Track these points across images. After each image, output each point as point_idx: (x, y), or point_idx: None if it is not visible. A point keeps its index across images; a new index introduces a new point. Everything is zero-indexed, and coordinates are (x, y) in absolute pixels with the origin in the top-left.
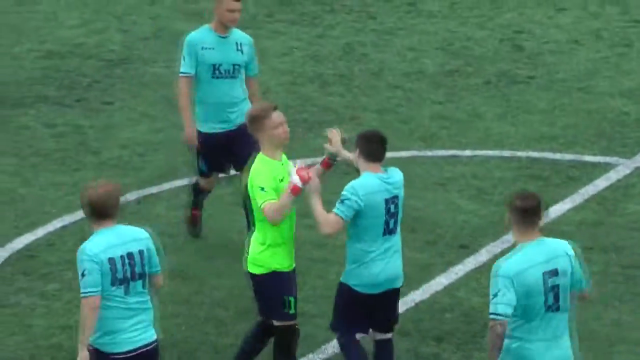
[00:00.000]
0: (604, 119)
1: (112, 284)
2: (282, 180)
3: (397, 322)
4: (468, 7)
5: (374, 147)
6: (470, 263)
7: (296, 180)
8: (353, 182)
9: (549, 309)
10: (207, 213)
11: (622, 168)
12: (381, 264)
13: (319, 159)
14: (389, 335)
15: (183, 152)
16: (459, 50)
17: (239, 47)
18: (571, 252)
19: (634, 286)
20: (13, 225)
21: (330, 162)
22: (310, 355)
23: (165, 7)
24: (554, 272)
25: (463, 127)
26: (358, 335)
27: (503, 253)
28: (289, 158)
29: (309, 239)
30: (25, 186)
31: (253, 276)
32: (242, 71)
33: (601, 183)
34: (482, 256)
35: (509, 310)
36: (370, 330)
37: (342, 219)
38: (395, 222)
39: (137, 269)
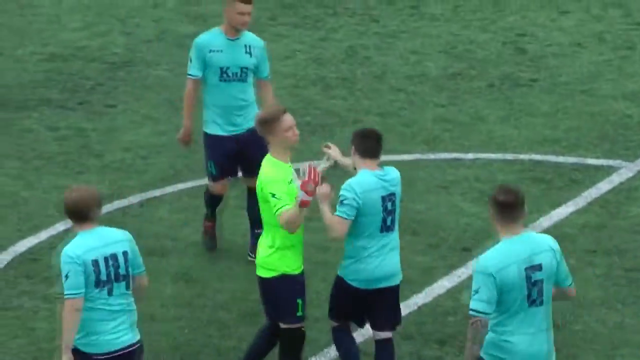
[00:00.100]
0: (606, 122)
1: (96, 286)
2: (290, 181)
3: (399, 323)
4: (471, 10)
5: (369, 144)
6: (473, 266)
7: (301, 195)
8: (350, 181)
9: (532, 303)
10: None
11: (625, 171)
12: (377, 260)
13: (321, 162)
14: (388, 335)
15: (186, 155)
16: (461, 53)
17: (248, 50)
18: (556, 247)
19: (637, 289)
20: (16, 228)
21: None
22: (313, 359)
23: (168, 9)
24: (537, 267)
25: (466, 130)
26: (352, 327)
27: None
28: (292, 161)
29: (312, 242)
30: (28, 189)
31: (262, 279)
32: (251, 74)
33: (604, 186)
34: None
35: (489, 308)
36: (371, 330)
37: (345, 219)
38: (393, 220)
39: (121, 271)
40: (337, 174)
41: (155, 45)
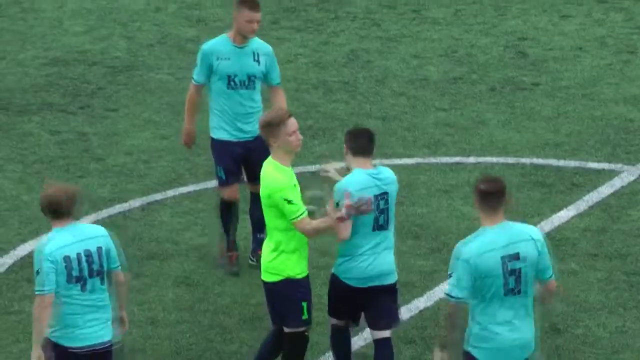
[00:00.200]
0: (608, 126)
1: (68, 282)
2: (295, 185)
3: (397, 323)
4: (472, 14)
5: (360, 142)
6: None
7: (345, 212)
8: (342, 181)
9: (509, 292)
10: (211, 220)
11: (626, 175)
12: (371, 259)
13: (323, 166)
14: (385, 334)
15: (187, 159)
16: (463, 57)
17: (256, 58)
18: (537, 236)
19: (638, 293)
20: (17, 232)
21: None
22: None
23: (170, 13)
24: (515, 256)
25: (467, 134)
26: (345, 323)
27: None
28: (293, 165)
29: (314, 247)
30: (29, 193)
31: (267, 284)
32: (259, 81)
33: (605, 190)
34: None
35: (462, 294)
36: (369, 330)
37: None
38: (386, 219)
39: (95, 267)
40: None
41: (156, 49)
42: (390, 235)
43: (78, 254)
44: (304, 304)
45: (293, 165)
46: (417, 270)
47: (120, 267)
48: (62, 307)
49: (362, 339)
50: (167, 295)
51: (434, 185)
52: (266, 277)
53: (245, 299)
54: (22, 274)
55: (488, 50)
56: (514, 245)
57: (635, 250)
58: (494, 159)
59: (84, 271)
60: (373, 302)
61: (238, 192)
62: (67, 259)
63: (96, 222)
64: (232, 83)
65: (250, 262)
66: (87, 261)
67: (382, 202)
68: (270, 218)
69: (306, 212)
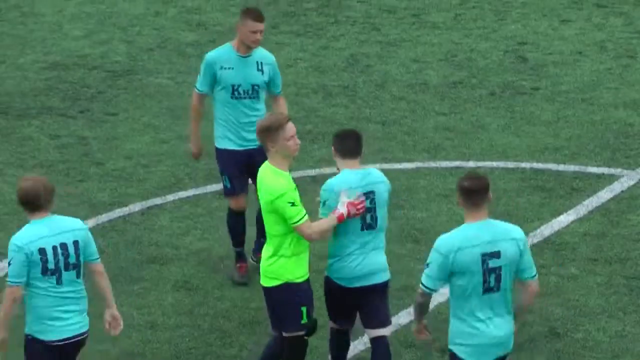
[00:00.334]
0: (608, 130)
1: (43, 274)
2: (295, 189)
3: (389, 321)
4: (472, 18)
5: (348, 144)
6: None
7: (344, 210)
8: (329, 180)
9: (489, 290)
10: (210, 224)
11: (626, 179)
12: (360, 258)
13: (323, 171)
14: (381, 332)
15: (187, 164)
16: (463, 62)
17: (260, 67)
18: (519, 236)
19: (638, 297)
20: None
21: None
22: None
23: (169, 18)
24: (496, 254)
25: (467, 138)
26: (342, 326)
27: None
28: (293, 169)
29: (313, 251)
30: None
31: (266, 289)
32: (263, 91)
33: (605, 194)
34: None
35: (432, 284)
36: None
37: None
38: (374, 218)
39: (71, 260)
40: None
41: (156, 53)
42: (380, 235)
43: (54, 247)
44: (304, 309)
45: (293, 169)
46: (417, 274)
47: (99, 260)
48: (38, 300)
49: (362, 343)
50: (167, 299)
51: (434, 190)
52: (265, 281)
53: (245, 303)
54: None
55: (488, 55)
56: (496, 244)
57: (635, 254)
58: (494, 164)
59: (60, 264)
60: (365, 302)
61: (245, 201)
62: (42, 251)
63: (96, 226)
64: (236, 93)
65: (251, 260)
66: (62, 254)
67: (368, 202)
68: (270, 224)
69: (307, 216)
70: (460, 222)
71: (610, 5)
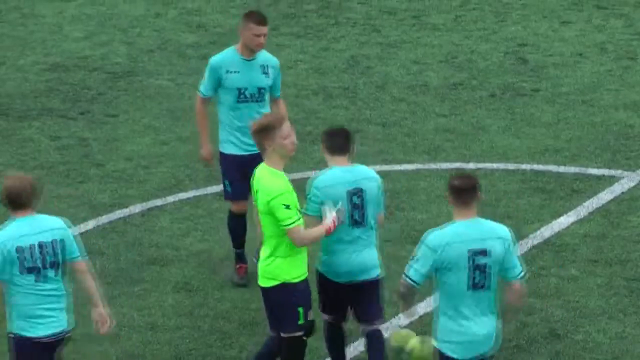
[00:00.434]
0: (608, 132)
1: (21, 272)
2: (292, 191)
3: (382, 316)
4: (472, 20)
5: (337, 141)
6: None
7: (331, 224)
8: (314, 176)
9: (474, 287)
10: (211, 226)
11: (626, 181)
12: (348, 254)
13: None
14: (374, 326)
15: (187, 165)
16: (463, 63)
17: (265, 70)
18: (506, 236)
19: (638, 299)
20: None
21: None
22: None
23: (170, 19)
24: (483, 252)
25: (467, 140)
26: (334, 319)
27: None
28: (293, 170)
29: (311, 252)
30: None
31: (263, 289)
32: (267, 94)
33: (605, 196)
34: None
35: (418, 277)
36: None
37: (312, 215)
38: (362, 215)
39: (50, 258)
40: None
41: (156, 55)
42: (370, 231)
43: (32, 245)
44: (301, 309)
45: (293, 170)
46: None
47: (80, 257)
48: (19, 297)
49: (362, 344)
50: (167, 300)
51: (434, 191)
52: (263, 282)
53: (245, 304)
54: None
55: (488, 56)
56: (483, 242)
57: (635, 256)
58: (494, 165)
59: (38, 262)
60: (356, 298)
61: (246, 205)
62: (19, 249)
63: (96, 227)
64: (242, 96)
65: (253, 260)
66: (41, 252)
67: (355, 198)
68: (267, 225)
69: (301, 221)
70: None
71: (610, 6)
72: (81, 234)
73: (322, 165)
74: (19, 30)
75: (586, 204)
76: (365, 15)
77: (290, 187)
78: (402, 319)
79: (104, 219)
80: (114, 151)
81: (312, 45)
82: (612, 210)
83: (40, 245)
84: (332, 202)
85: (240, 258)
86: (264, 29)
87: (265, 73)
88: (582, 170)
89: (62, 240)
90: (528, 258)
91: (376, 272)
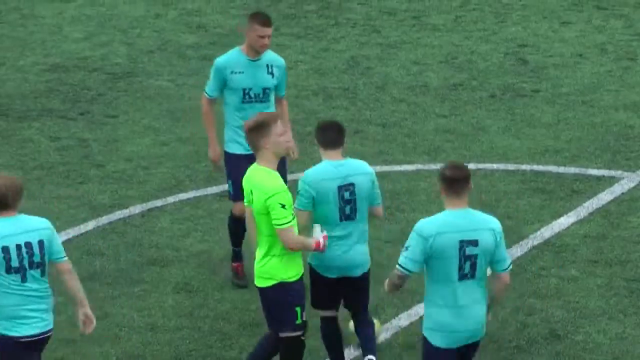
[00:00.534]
0: (608, 133)
1: (7, 272)
2: (287, 191)
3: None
4: (472, 20)
5: (329, 135)
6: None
7: (321, 242)
8: (306, 171)
9: (464, 277)
10: (211, 226)
11: (626, 181)
12: (337, 249)
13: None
14: (363, 314)
15: (187, 165)
16: (463, 64)
17: (270, 70)
18: (496, 228)
19: (638, 300)
20: None
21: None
22: None
23: (170, 20)
24: (473, 242)
25: (467, 141)
26: (328, 313)
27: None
28: (293, 171)
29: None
30: (29, 199)
31: (261, 289)
32: (273, 94)
33: (605, 196)
34: None
35: (412, 266)
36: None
37: (302, 209)
38: (353, 209)
39: (35, 258)
40: None
41: (156, 55)
42: (361, 226)
43: (18, 245)
44: (298, 309)
45: (293, 171)
46: (418, 276)
47: (65, 259)
48: (3, 298)
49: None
50: (167, 301)
51: (434, 192)
52: (259, 282)
53: (245, 305)
54: None
55: (488, 57)
56: (474, 232)
57: (636, 256)
58: (494, 166)
59: (24, 262)
60: (348, 291)
61: None
62: (5, 249)
63: (96, 228)
64: (247, 97)
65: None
66: (27, 253)
67: (346, 193)
68: (263, 224)
69: (294, 222)
70: None
71: (610, 7)
72: (81, 234)
73: None
74: (19, 31)
75: (586, 204)
76: (365, 15)
77: (286, 187)
78: (402, 320)
79: (104, 219)
80: (114, 152)
81: (312, 45)
82: (612, 210)
83: (26, 245)
84: (321, 227)
85: (237, 256)
86: (268, 30)
87: (271, 73)
88: (582, 170)
89: (47, 241)
90: (528, 258)
91: (367, 267)
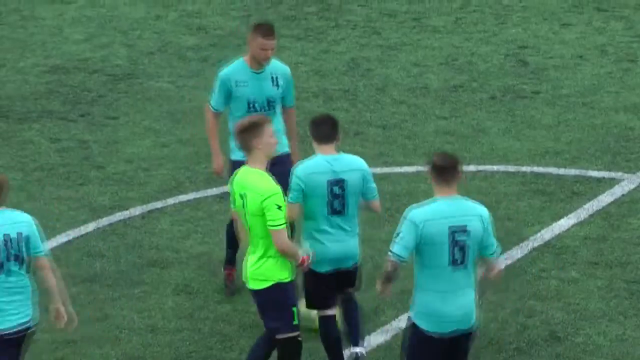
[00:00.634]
0: (608, 134)
1: None
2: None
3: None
4: (472, 22)
5: (323, 130)
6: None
7: (307, 259)
8: (298, 164)
9: (454, 262)
10: (211, 228)
11: (626, 183)
12: (326, 243)
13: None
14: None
15: (188, 167)
16: (463, 66)
17: (275, 82)
18: (485, 215)
19: (638, 302)
20: None
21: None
22: None
23: (170, 22)
24: (462, 229)
25: (467, 142)
26: (328, 312)
27: (507, 268)
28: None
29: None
30: (29, 201)
31: (256, 292)
32: (278, 105)
33: (606, 198)
34: None
35: (404, 253)
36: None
37: (293, 202)
38: (343, 204)
39: (14, 251)
40: None
41: (157, 57)
42: (352, 220)
43: None
44: (294, 309)
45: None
46: None
47: (43, 254)
48: None
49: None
50: (167, 303)
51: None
52: (254, 284)
53: (245, 306)
54: None
55: (488, 59)
56: (463, 218)
57: (636, 258)
58: (494, 167)
59: (2, 254)
60: (338, 284)
61: None
62: None
63: (96, 229)
64: (251, 108)
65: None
66: (5, 245)
67: (336, 188)
68: (259, 225)
69: (287, 226)
70: None
71: (610, 9)
72: (81, 236)
73: None
74: (19, 33)
75: (586, 206)
76: (365, 17)
77: (280, 188)
78: (402, 321)
79: (104, 221)
80: (114, 153)
81: (312, 47)
82: (613, 212)
83: (6, 239)
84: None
85: (230, 261)
86: (272, 43)
87: (276, 85)
88: (583, 172)
89: (27, 236)
90: (528, 260)
91: (357, 258)
